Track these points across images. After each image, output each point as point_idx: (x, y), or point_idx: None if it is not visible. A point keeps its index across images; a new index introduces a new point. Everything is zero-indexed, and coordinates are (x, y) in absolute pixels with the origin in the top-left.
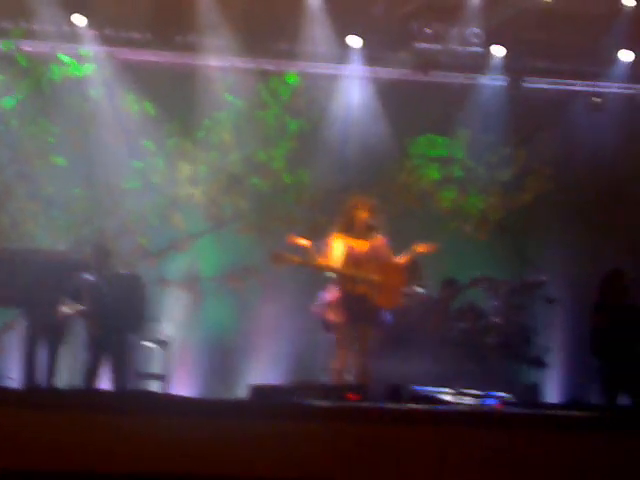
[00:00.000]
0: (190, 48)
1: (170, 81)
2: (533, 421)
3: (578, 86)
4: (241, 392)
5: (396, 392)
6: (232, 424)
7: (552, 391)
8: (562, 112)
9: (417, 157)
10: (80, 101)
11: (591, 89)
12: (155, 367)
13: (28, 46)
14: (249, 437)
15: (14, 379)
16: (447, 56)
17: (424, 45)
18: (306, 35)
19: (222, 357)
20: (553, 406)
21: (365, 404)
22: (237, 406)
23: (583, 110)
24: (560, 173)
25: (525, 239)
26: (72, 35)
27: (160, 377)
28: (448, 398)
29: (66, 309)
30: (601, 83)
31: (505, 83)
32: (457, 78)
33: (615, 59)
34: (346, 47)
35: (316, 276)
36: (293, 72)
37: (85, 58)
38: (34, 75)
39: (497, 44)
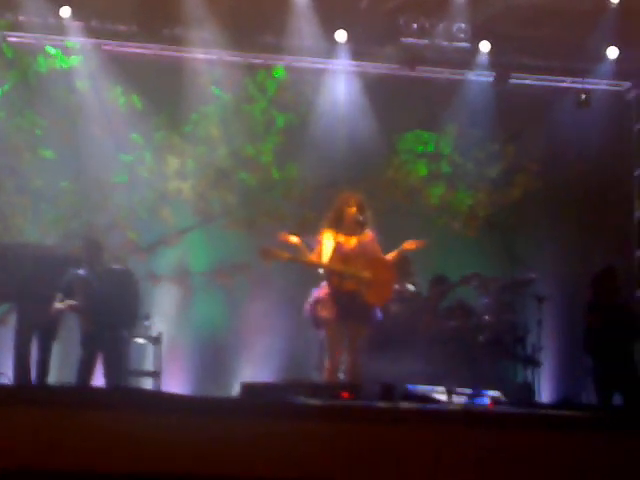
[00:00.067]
0: (177, 41)
1: (157, 74)
2: (528, 421)
3: (565, 82)
4: (233, 390)
5: (389, 391)
6: (227, 423)
7: (544, 390)
8: (549, 108)
9: (405, 153)
10: (66, 93)
11: (578, 85)
12: (147, 364)
13: (14, 37)
14: (245, 436)
15: (4, 374)
16: (434, 51)
17: (410, 40)
18: (293, 29)
19: (213, 354)
20: (546, 405)
21: (360, 403)
22: (232, 404)
23: (570, 106)
24: (548, 169)
25: (514, 235)
26: (58, 27)
27: (152, 374)
28: (441, 397)
29: (58, 304)
30: (588, 80)
31: (492, 79)
32: (444, 74)
33: (602, 56)
34: (333, 41)
35: (307, 272)
36: (280, 66)
37: (71, 50)
38: (20, 67)
39: (484, 40)
